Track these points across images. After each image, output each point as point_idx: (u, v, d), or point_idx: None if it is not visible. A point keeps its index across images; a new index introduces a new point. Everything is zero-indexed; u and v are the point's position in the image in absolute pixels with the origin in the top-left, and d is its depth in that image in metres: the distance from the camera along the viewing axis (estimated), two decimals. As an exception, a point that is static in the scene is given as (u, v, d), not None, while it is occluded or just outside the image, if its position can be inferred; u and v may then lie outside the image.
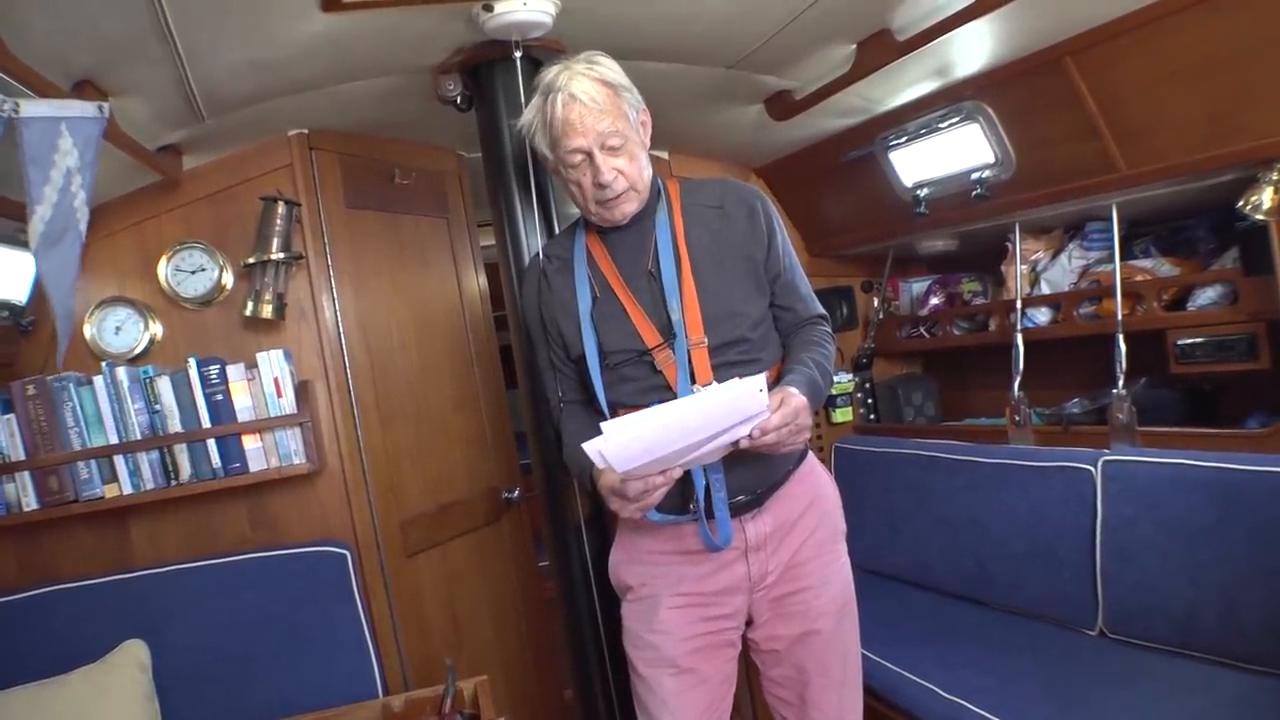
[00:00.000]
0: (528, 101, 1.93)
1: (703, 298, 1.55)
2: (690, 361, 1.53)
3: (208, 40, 1.67)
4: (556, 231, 2.01)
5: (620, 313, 1.59)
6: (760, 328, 1.61)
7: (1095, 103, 2.08)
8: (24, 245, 1.86)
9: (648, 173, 1.59)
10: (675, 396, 1.52)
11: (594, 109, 1.48)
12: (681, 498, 1.58)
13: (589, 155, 1.51)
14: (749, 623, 1.71)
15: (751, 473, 1.58)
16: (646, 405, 1.51)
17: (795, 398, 1.44)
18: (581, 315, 1.62)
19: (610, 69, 1.54)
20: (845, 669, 1.71)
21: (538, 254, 1.78)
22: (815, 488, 1.71)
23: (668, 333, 1.55)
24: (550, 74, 1.53)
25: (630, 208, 1.57)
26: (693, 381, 1.53)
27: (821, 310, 1.74)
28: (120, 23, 1.51)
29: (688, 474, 1.52)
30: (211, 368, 2.13)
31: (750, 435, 1.39)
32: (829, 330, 1.73)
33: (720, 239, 1.60)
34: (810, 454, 1.75)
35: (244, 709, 2.02)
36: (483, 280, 2.92)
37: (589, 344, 1.61)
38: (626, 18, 1.89)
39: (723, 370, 1.53)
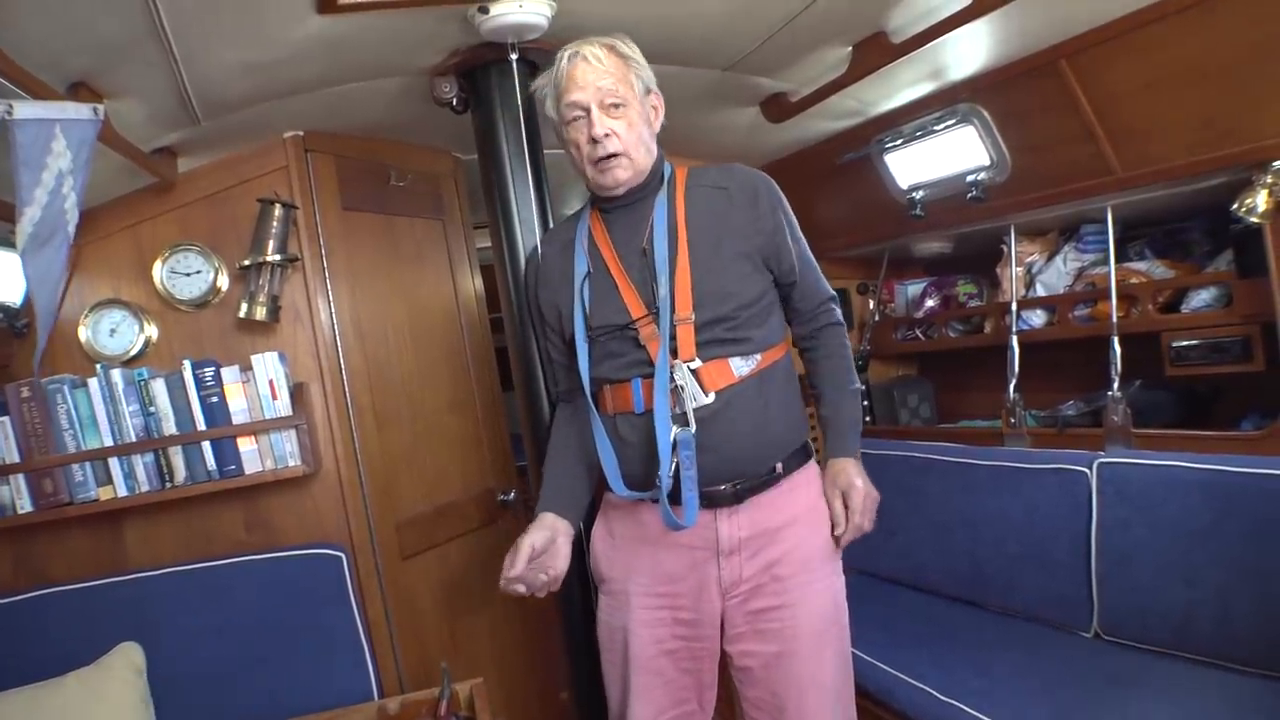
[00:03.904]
0: (524, 104, 1.96)
1: (696, 276, 1.55)
2: (675, 338, 1.53)
3: (203, 42, 1.67)
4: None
5: (610, 286, 1.61)
6: (754, 308, 1.60)
7: (1090, 105, 2.09)
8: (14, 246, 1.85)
9: (648, 151, 1.61)
10: (654, 372, 1.53)
11: (598, 67, 1.54)
12: (646, 475, 1.56)
13: (586, 111, 1.54)
14: (724, 632, 1.67)
15: (725, 459, 1.55)
16: (628, 381, 1.57)
17: (856, 492, 1.64)
18: (575, 287, 1.63)
19: (625, 43, 1.59)
20: (823, 700, 1.63)
21: (535, 245, 1.83)
22: (807, 501, 1.66)
23: (654, 307, 1.55)
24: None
25: (623, 175, 1.58)
26: (674, 357, 1.52)
27: (830, 292, 1.77)
28: (115, 25, 1.50)
29: (653, 448, 1.52)
30: (206, 370, 2.13)
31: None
32: (842, 326, 1.78)
33: (722, 220, 1.60)
34: (811, 466, 1.71)
35: (239, 712, 2.02)
36: (479, 282, 2.91)
37: (578, 315, 1.62)
38: (622, 20, 1.88)
39: (707, 347, 1.54)
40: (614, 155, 1.55)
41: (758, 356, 1.59)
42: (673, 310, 1.53)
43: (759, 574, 1.61)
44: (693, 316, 1.53)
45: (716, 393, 1.54)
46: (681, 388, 1.52)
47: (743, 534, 1.59)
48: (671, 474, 1.50)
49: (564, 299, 1.67)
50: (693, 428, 1.50)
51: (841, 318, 1.78)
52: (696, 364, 1.53)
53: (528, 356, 2.03)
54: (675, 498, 1.51)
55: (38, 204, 1.48)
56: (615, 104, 1.54)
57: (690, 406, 1.51)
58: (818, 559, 1.65)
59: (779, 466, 1.62)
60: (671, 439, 1.50)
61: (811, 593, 1.63)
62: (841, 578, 1.71)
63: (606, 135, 1.54)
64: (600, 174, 1.58)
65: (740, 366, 1.57)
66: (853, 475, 1.65)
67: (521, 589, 1.57)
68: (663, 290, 1.54)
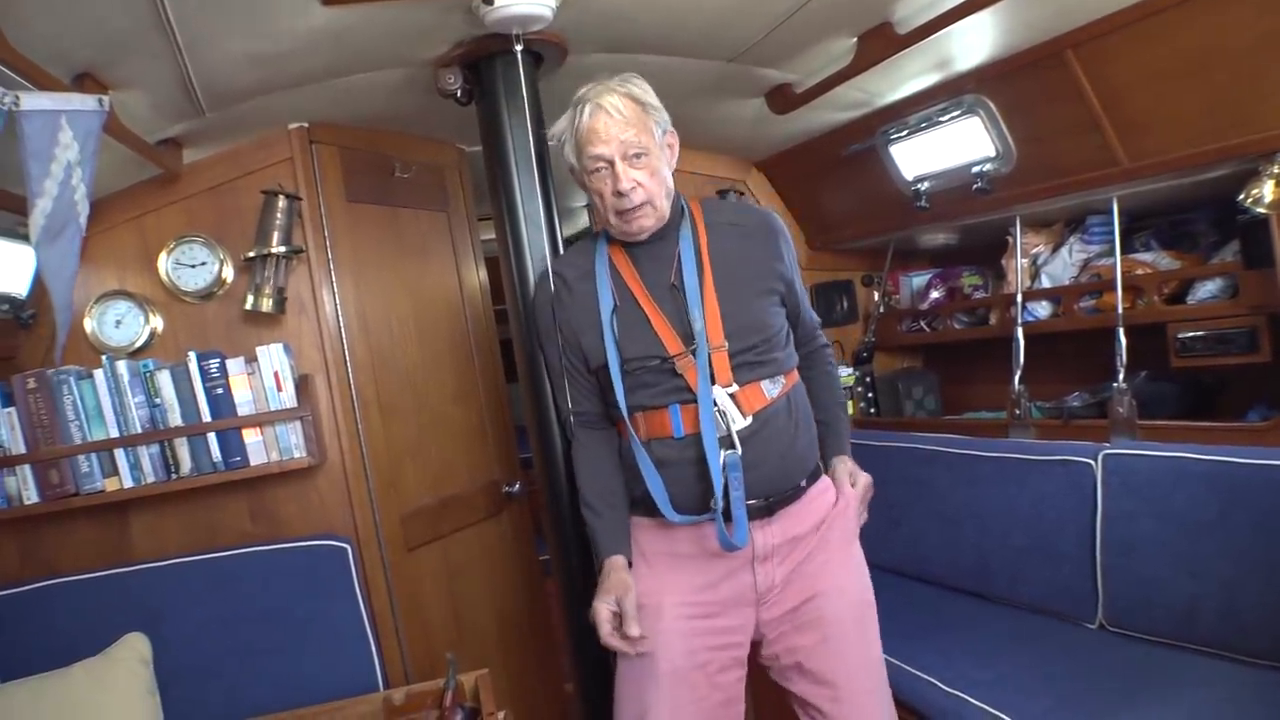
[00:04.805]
0: (529, 95, 1.96)
1: (724, 307, 1.60)
2: (710, 365, 1.57)
3: (208, 33, 1.67)
4: (557, 226, 2.03)
5: (642, 320, 1.62)
6: (778, 337, 1.66)
7: (1096, 96, 2.08)
8: (24, 239, 1.85)
9: (668, 192, 1.64)
10: (695, 399, 1.56)
11: (619, 119, 1.55)
12: (700, 498, 1.59)
13: (610, 164, 1.56)
14: (757, 642, 1.70)
15: (763, 477, 1.60)
16: (665, 407, 1.60)
17: (862, 477, 1.80)
18: (603, 321, 1.64)
19: (641, 89, 1.60)
20: (871, 678, 1.70)
21: (546, 268, 1.84)
22: (825, 508, 1.73)
23: (689, 340, 1.59)
24: (584, 89, 1.59)
25: (647, 223, 1.61)
26: (712, 383, 1.56)
27: (817, 319, 1.92)
28: (121, 16, 1.50)
29: (705, 472, 1.55)
30: (211, 361, 2.13)
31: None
32: (830, 347, 1.93)
33: (742, 254, 1.66)
34: (824, 477, 1.78)
35: (245, 702, 2.03)
36: (483, 274, 2.92)
37: (610, 350, 1.63)
38: (627, 11, 1.88)
39: (741, 370, 1.59)
40: (639, 205, 1.58)
41: (782, 379, 1.66)
42: (707, 341, 1.58)
43: (789, 576, 1.66)
44: (726, 345, 1.58)
45: (754, 415, 1.59)
46: (723, 412, 1.57)
47: (775, 541, 1.64)
48: (721, 494, 1.55)
49: (588, 331, 1.68)
50: (739, 449, 1.55)
51: (829, 343, 1.94)
52: (734, 388, 1.58)
53: (532, 349, 2.03)
54: (725, 514, 1.55)
55: (48, 195, 1.48)
56: (638, 154, 1.56)
57: (734, 429, 1.57)
58: (840, 542, 1.73)
59: (804, 481, 1.69)
60: (721, 461, 1.54)
61: (843, 578, 1.71)
62: (863, 558, 1.79)
63: (632, 188, 1.56)
64: (626, 223, 1.61)
65: (770, 389, 1.63)
66: (854, 467, 1.82)
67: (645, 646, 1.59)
68: (698, 324, 1.58)
